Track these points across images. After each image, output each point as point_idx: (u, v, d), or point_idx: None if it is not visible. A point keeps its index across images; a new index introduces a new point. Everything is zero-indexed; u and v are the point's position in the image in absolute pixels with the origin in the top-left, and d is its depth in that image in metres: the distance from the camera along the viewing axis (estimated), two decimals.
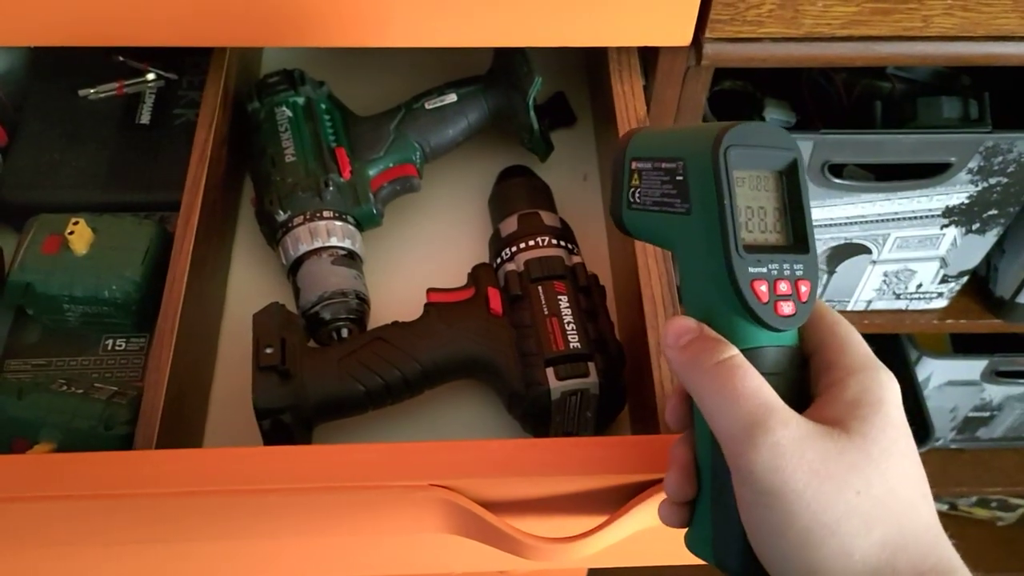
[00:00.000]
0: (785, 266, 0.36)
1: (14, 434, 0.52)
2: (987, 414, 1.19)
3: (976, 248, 0.85)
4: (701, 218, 0.36)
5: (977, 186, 0.77)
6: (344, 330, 0.60)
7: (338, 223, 0.62)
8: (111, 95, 0.70)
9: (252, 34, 0.60)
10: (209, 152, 0.61)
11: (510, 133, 0.69)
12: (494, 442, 0.47)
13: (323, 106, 0.67)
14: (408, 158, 0.66)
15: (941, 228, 0.82)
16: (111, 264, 0.58)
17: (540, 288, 0.58)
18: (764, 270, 0.35)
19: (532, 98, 0.65)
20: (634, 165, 0.41)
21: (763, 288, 0.35)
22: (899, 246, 0.83)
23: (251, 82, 0.69)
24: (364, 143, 0.65)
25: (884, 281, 0.88)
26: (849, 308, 0.91)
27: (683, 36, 0.61)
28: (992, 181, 0.76)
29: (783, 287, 0.35)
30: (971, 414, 1.19)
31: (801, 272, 0.36)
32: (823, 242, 0.83)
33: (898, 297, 0.90)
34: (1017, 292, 0.88)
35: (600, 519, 0.49)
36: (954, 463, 1.28)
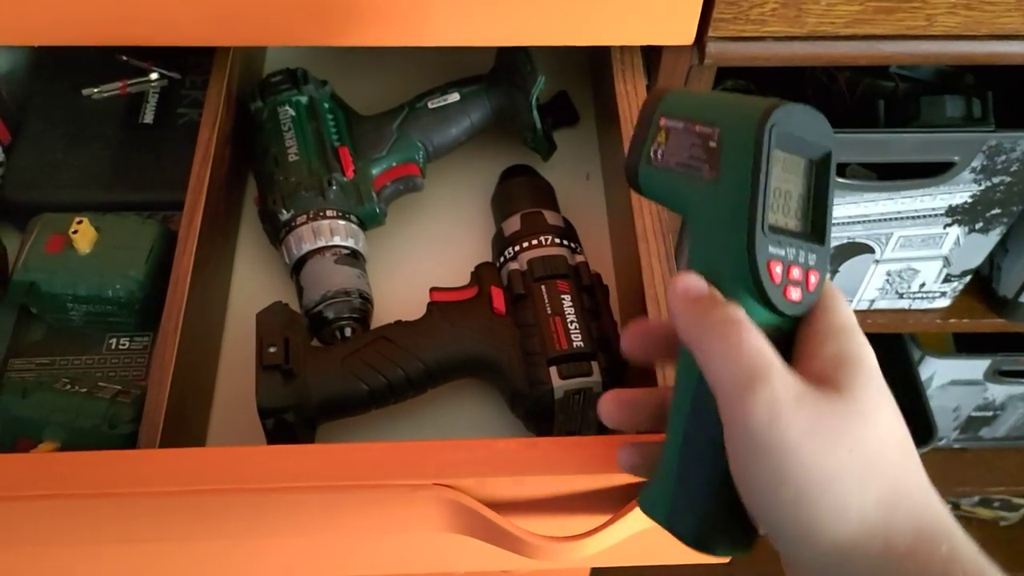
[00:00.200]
0: (801, 253, 0.36)
1: (18, 433, 0.52)
2: (990, 414, 1.19)
3: (979, 247, 0.84)
4: (730, 189, 0.36)
5: (980, 185, 0.77)
6: (347, 329, 0.60)
7: (341, 222, 0.62)
8: (115, 94, 0.70)
9: (255, 33, 0.60)
10: (212, 151, 0.61)
11: (513, 132, 0.69)
12: (498, 441, 0.47)
13: (326, 105, 0.67)
14: (411, 157, 0.66)
15: (944, 227, 0.82)
16: (115, 263, 0.58)
17: (543, 287, 0.58)
18: (782, 252, 0.35)
19: (535, 97, 0.65)
20: (663, 122, 0.39)
21: (778, 269, 0.35)
22: (902, 245, 0.83)
23: (254, 81, 0.70)
24: (367, 142, 0.65)
25: (887, 280, 0.88)
26: (852, 307, 0.91)
27: (686, 35, 0.61)
28: (995, 180, 0.76)
29: (795, 273, 0.35)
30: (974, 414, 1.19)
31: (814, 262, 0.36)
32: None
33: (901, 296, 0.90)
34: (1020, 291, 0.88)
35: (603, 518, 0.49)
36: (957, 463, 1.28)
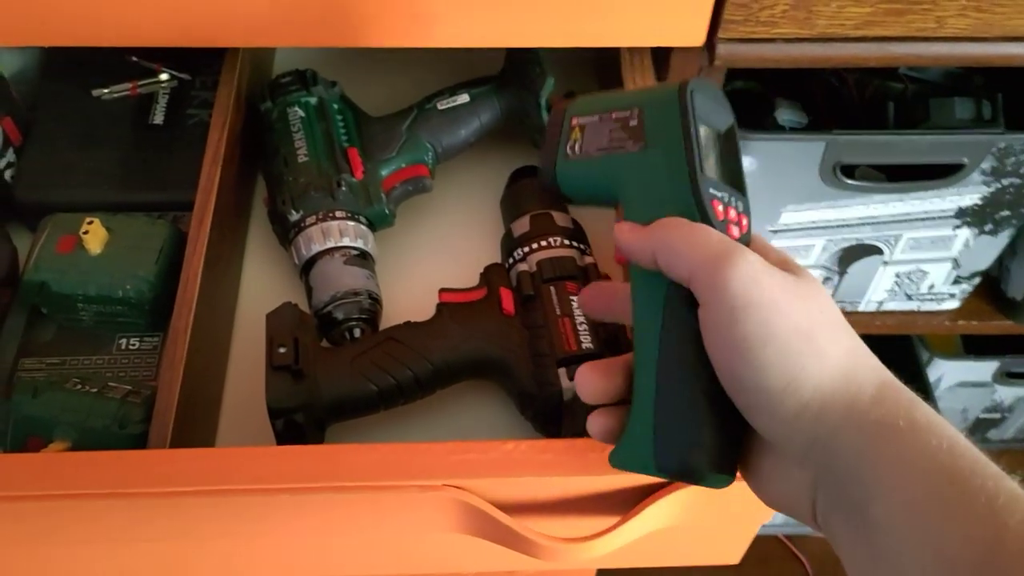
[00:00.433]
0: (732, 198, 0.39)
1: (29, 433, 0.52)
2: (998, 416, 1.18)
3: (988, 249, 0.84)
4: (660, 150, 0.39)
5: (990, 187, 0.77)
6: (356, 330, 0.60)
7: (350, 223, 0.62)
8: (124, 95, 0.71)
9: (265, 35, 0.60)
10: (223, 152, 0.61)
11: (521, 133, 0.69)
12: (508, 443, 0.47)
13: (335, 106, 0.67)
14: (420, 158, 0.66)
15: (953, 229, 0.82)
16: (125, 264, 0.58)
17: (552, 288, 0.58)
18: (720, 194, 0.38)
19: (544, 99, 0.65)
20: (575, 121, 0.43)
21: (719, 208, 0.38)
22: (911, 247, 0.83)
23: (264, 82, 0.70)
24: (376, 143, 0.66)
25: (896, 282, 0.87)
26: (860, 309, 0.91)
27: (696, 36, 0.61)
28: (1005, 182, 0.76)
29: (732, 214, 0.39)
30: (982, 415, 1.18)
31: (743, 208, 0.39)
32: (835, 243, 0.82)
33: (910, 298, 0.90)
34: None
35: (611, 520, 0.49)
36: None
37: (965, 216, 0.80)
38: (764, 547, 1.22)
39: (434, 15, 0.58)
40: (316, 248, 0.61)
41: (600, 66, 0.77)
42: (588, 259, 0.60)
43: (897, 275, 0.87)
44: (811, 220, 0.80)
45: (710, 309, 0.35)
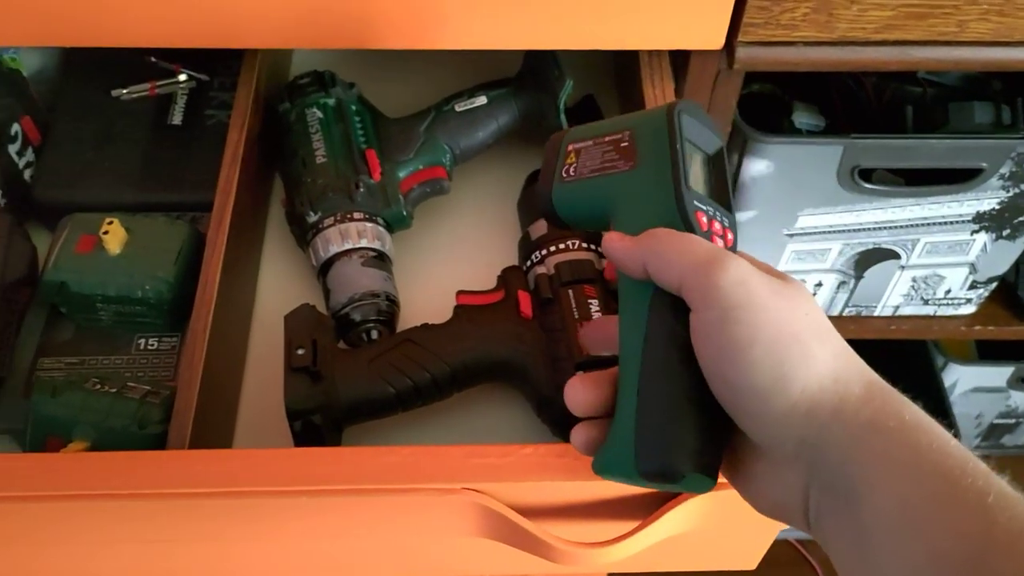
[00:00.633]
0: (717, 213, 0.40)
1: (48, 432, 0.52)
2: (1012, 421, 1.18)
3: (1006, 254, 0.84)
4: (650, 167, 0.40)
5: (1008, 192, 0.76)
6: (374, 332, 0.60)
7: (368, 224, 0.62)
8: (143, 96, 0.71)
9: (284, 36, 0.60)
10: (241, 153, 0.61)
11: (539, 135, 0.69)
12: (527, 446, 0.47)
13: (353, 108, 0.67)
14: (438, 160, 0.66)
15: (971, 234, 0.81)
16: (144, 264, 0.58)
17: (570, 292, 0.58)
18: (705, 207, 0.40)
19: (563, 101, 0.65)
20: (571, 147, 0.44)
21: (703, 219, 0.39)
22: (928, 251, 0.83)
23: (281, 83, 0.70)
24: (394, 145, 0.66)
25: (912, 287, 0.87)
26: (876, 313, 0.91)
27: (716, 40, 0.61)
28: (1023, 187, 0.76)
29: (716, 227, 0.40)
30: (996, 421, 1.18)
31: (728, 224, 0.41)
32: (852, 247, 0.82)
33: (926, 303, 0.89)
34: None
35: (628, 524, 0.49)
36: None
37: (983, 221, 0.80)
38: (775, 551, 1.21)
39: (452, 17, 0.58)
40: (334, 249, 0.61)
41: (619, 69, 0.77)
42: (606, 262, 0.60)
43: (914, 279, 0.86)
44: (828, 224, 0.79)
45: (700, 313, 0.36)
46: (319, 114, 0.66)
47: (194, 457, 0.48)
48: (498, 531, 0.48)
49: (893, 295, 0.88)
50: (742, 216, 0.78)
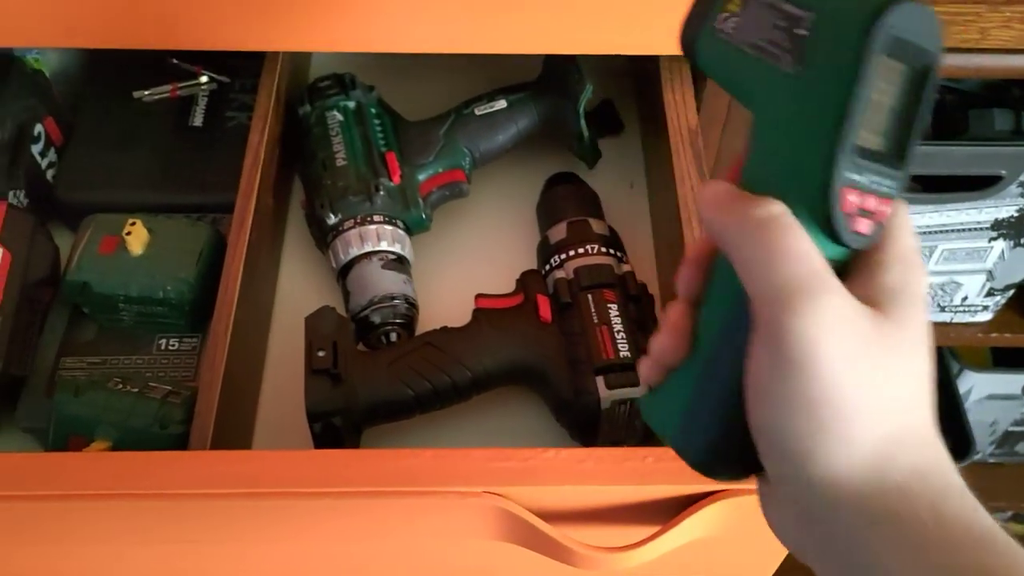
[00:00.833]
0: (879, 179, 0.31)
1: (71, 431, 0.53)
2: None
3: (1023, 262, 0.83)
4: (815, 92, 0.30)
5: None
6: (393, 334, 0.60)
7: (388, 227, 0.62)
8: (165, 97, 0.71)
9: (306, 39, 0.60)
10: (262, 155, 0.62)
11: (557, 139, 0.69)
12: (548, 450, 0.47)
13: (373, 110, 0.67)
14: (457, 163, 0.66)
15: (989, 241, 0.81)
16: (166, 265, 0.59)
17: (590, 296, 0.58)
18: (861, 178, 0.31)
19: (583, 106, 0.65)
20: None
21: (852, 198, 0.30)
22: (945, 258, 0.83)
23: (300, 86, 0.70)
24: (414, 148, 0.66)
25: (929, 293, 0.87)
26: None
27: None
28: None
29: (870, 203, 0.31)
30: (1011, 428, 1.17)
31: (890, 189, 0.32)
32: None
33: (943, 310, 0.89)
34: None
35: (648, 529, 0.48)
36: (992, 478, 1.27)
37: (1001, 228, 0.79)
38: (788, 558, 1.21)
39: (474, 21, 0.58)
40: (354, 252, 0.61)
41: (637, 73, 0.77)
42: (625, 267, 0.60)
43: (931, 286, 0.86)
44: None
45: (758, 344, 0.31)
46: (339, 117, 0.66)
47: (216, 458, 0.48)
48: (518, 535, 0.48)
49: None
50: None
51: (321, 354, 0.54)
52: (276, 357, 0.63)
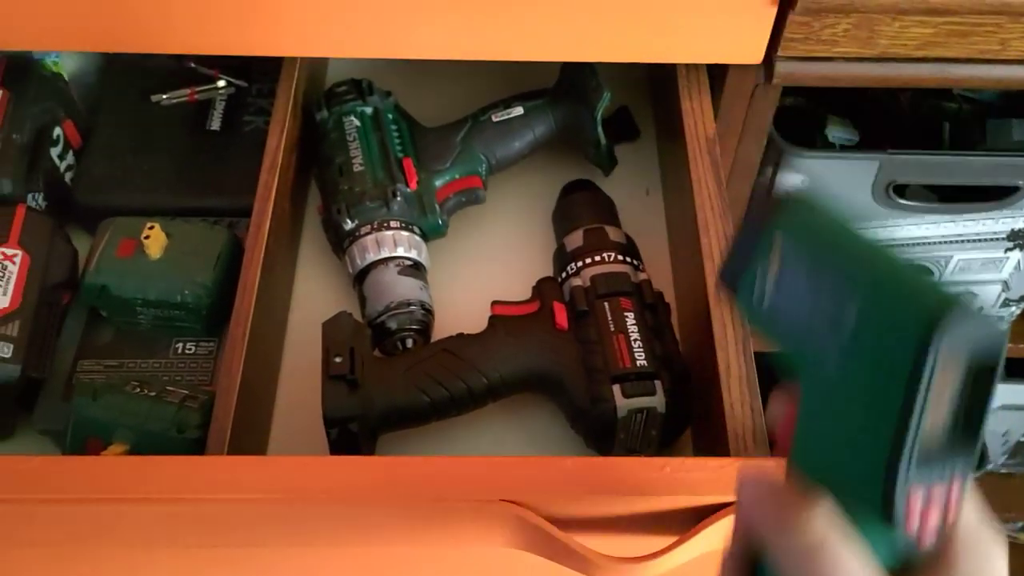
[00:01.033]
0: (947, 470, 0.28)
1: (88, 434, 0.53)
2: None
3: None
4: (867, 393, 0.28)
5: None
6: (409, 340, 0.60)
7: (404, 233, 0.63)
8: (183, 101, 0.71)
9: (324, 44, 0.61)
10: (280, 160, 0.62)
11: (573, 146, 0.69)
12: (567, 459, 0.47)
13: (390, 116, 0.67)
14: (474, 170, 0.66)
15: (1005, 252, 0.81)
16: (184, 269, 0.59)
17: (606, 304, 0.58)
18: (925, 477, 0.28)
19: (600, 113, 0.65)
20: (779, 243, 0.30)
21: (917, 503, 0.28)
22: (961, 269, 0.82)
23: (317, 91, 0.70)
24: (430, 154, 0.66)
25: None
26: None
27: (755, 54, 0.61)
28: None
29: (936, 497, 0.28)
30: (1023, 439, 1.16)
31: (960, 485, 0.29)
32: None
33: None
34: None
35: (664, 540, 0.48)
36: (1004, 488, 1.26)
37: (1018, 239, 0.79)
38: None
39: (492, 28, 0.58)
40: (371, 258, 0.61)
41: (654, 81, 0.77)
42: (642, 275, 0.60)
43: None
44: None
45: None
46: (356, 122, 0.66)
47: (233, 463, 0.48)
48: (534, 543, 0.48)
49: None
50: None
51: (338, 360, 0.54)
52: (292, 362, 0.63)
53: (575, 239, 0.62)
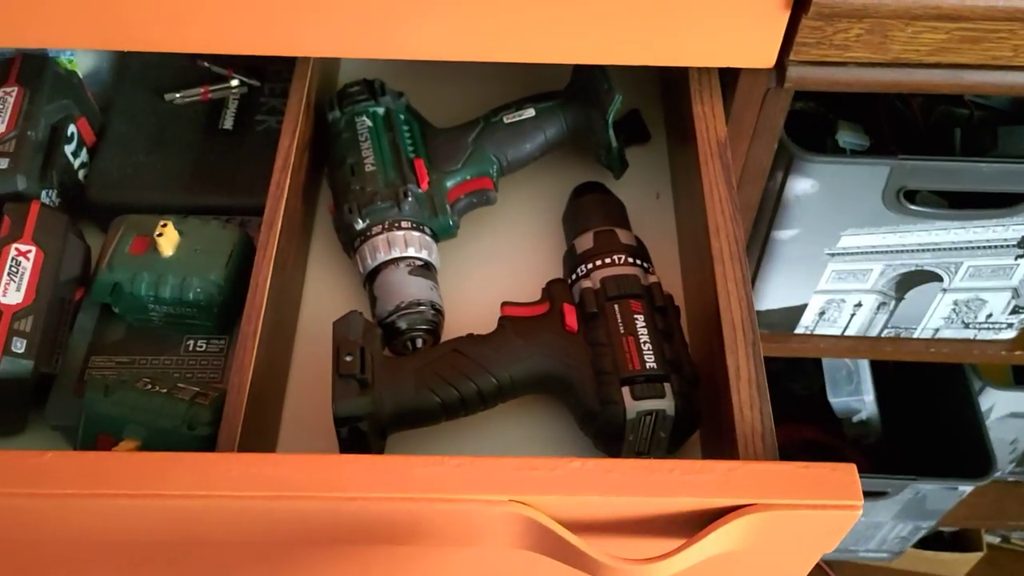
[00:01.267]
0: None
1: (100, 430, 0.53)
2: None
3: None
4: None
5: None
6: (419, 340, 0.61)
7: (416, 233, 0.63)
8: (196, 100, 0.72)
9: (337, 44, 0.61)
10: (292, 159, 0.62)
11: (586, 149, 0.70)
12: (575, 460, 0.47)
13: (402, 117, 0.68)
14: (485, 171, 0.66)
15: (1015, 258, 0.80)
16: (196, 267, 0.59)
17: (616, 306, 0.58)
18: None
19: (611, 116, 0.65)
20: None
21: None
22: (971, 275, 0.82)
23: (330, 91, 0.71)
24: (442, 155, 0.66)
25: (954, 310, 0.86)
26: (916, 335, 0.90)
27: (767, 58, 0.61)
28: None
29: None
30: None
31: None
32: (894, 268, 0.81)
33: (967, 326, 0.89)
34: None
35: (672, 542, 0.48)
36: (1010, 496, 1.26)
37: None
38: (815, 570, 1.21)
39: (504, 30, 0.58)
40: (381, 257, 0.62)
41: (665, 84, 0.77)
42: (652, 278, 0.60)
43: (955, 303, 0.85)
44: (871, 244, 0.79)
45: None
46: (368, 122, 0.66)
47: (243, 460, 0.48)
48: (543, 544, 0.48)
49: (934, 318, 0.88)
50: (784, 234, 0.77)
51: (349, 359, 0.55)
52: (302, 361, 0.64)
53: (585, 241, 0.62)
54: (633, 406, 0.54)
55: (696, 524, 0.48)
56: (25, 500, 0.46)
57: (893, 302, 0.86)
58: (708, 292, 0.57)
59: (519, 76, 0.71)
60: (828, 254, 0.80)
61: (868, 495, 1.06)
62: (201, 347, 0.61)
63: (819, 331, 0.89)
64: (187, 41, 0.60)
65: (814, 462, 0.47)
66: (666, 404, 0.54)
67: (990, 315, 0.87)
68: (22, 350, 0.56)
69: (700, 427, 0.58)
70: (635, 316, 0.57)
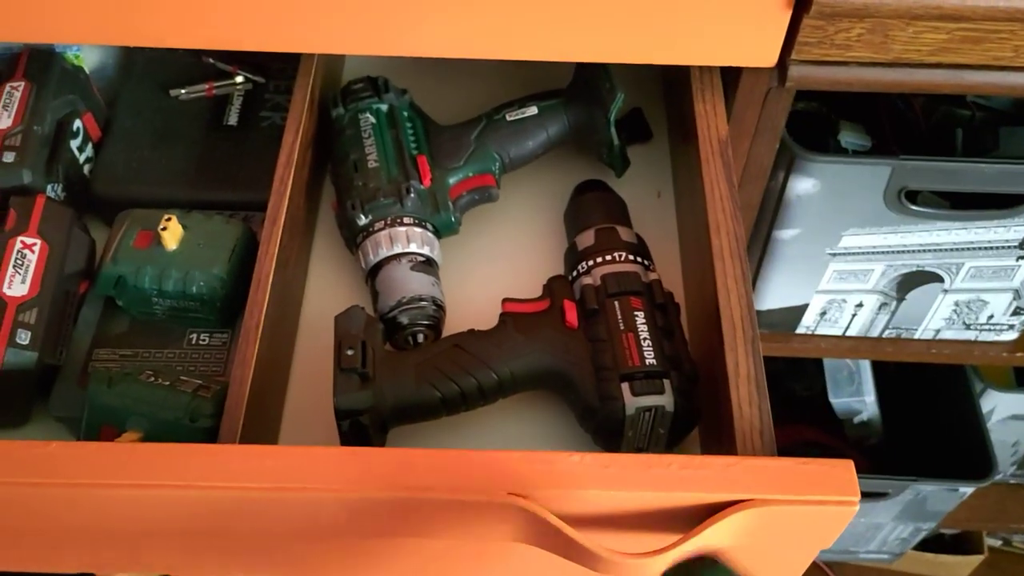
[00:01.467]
0: None
1: (103, 421, 0.54)
2: None
3: None
4: None
5: None
6: (420, 336, 0.61)
7: (418, 230, 0.63)
8: (201, 96, 0.72)
9: (341, 41, 0.61)
10: (296, 155, 0.62)
11: (588, 147, 0.70)
12: (574, 454, 0.47)
13: (405, 114, 0.68)
14: (487, 168, 0.66)
15: (1017, 259, 0.81)
16: (199, 261, 0.60)
17: (616, 303, 0.58)
18: None
19: (613, 114, 0.65)
20: None
21: None
22: (972, 276, 0.82)
23: (334, 88, 0.71)
24: (444, 152, 0.66)
25: (955, 311, 0.86)
26: (917, 336, 0.90)
27: (768, 57, 0.61)
28: None
29: None
30: None
31: None
32: (895, 268, 0.82)
33: (968, 327, 0.89)
34: None
35: (670, 537, 0.49)
36: (1012, 498, 1.26)
37: None
38: (812, 567, 1.21)
39: (508, 27, 0.59)
40: (383, 253, 0.62)
41: (667, 82, 0.77)
42: (652, 275, 0.61)
43: (956, 304, 0.86)
44: (872, 245, 0.79)
45: None
46: (372, 119, 0.67)
47: (245, 452, 0.48)
48: (542, 538, 0.48)
49: (935, 318, 0.88)
50: (785, 234, 0.78)
51: (350, 353, 0.55)
52: (304, 354, 0.64)
53: (586, 238, 0.63)
54: (632, 402, 0.54)
55: (694, 519, 0.48)
56: (29, 490, 0.47)
57: (894, 303, 0.86)
58: (708, 289, 0.57)
59: (522, 74, 0.71)
60: (829, 254, 0.80)
61: (869, 496, 1.07)
62: (204, 340, 0.62)
63: (820, 331, 0.89)
64: (193, 37, 0.61)
65: (811, 458, 0.47)
66: (665, 400, 0.54)
67: (991, 316, 0.87)
68: (26, 342, 0.57)
69: (699, 423, 0.58)
70: (635, 313, 0.57)
